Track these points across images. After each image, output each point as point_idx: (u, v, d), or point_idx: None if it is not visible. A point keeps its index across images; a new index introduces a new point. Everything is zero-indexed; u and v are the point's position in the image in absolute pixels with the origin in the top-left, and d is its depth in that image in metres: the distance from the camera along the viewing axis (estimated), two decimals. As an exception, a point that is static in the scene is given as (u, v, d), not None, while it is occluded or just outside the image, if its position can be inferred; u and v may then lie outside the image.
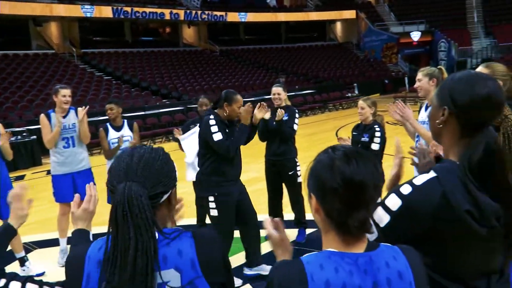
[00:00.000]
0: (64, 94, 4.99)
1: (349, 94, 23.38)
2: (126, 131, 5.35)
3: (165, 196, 1.34)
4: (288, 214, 5.55)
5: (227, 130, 4.09)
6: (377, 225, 1.41)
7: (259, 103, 4.36)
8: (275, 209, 5.42)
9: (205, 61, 27.63)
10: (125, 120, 5.46)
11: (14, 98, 17.18)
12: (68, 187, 5.04)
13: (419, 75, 3.90)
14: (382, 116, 4.82)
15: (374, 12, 35.71)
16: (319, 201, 1.22)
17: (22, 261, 4.81)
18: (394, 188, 1.44)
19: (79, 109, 5.10)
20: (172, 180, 1.37)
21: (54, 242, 5.36)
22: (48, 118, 5.00)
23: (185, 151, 5.42)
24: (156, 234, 1.26)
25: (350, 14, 34.63)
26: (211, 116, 4.11)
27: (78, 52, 24.63)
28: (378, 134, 4.55)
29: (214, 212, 4.13)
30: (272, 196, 5.44)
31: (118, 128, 5.34)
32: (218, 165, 4.10)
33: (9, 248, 4.82)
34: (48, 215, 6.54)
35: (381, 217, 1.41)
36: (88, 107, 5.26)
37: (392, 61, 31.94)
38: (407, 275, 1.19)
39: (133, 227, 1.22)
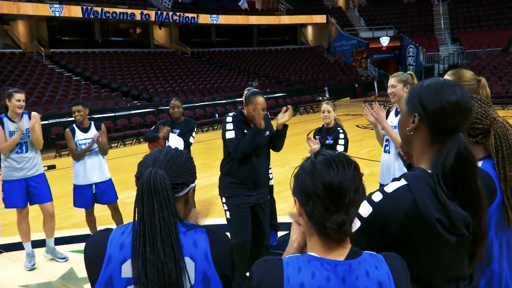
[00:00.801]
0: (19, 98, 4.79)
1: (320, 98, 23.65)
2: (93, 133, 5.21)
3: (185, 190, 1.48)
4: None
5: (245, 131, 3.95)
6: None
7: (284, 107, 4.15)
8: None
9: (176, 62, 27.47)
10: (92, 122, 5.32)
11: (-22, 98, 16.71)
12: (21, 192, 4.92)
13: (392, 81, 3.90)
14: (339, 119, 4.99)
15: (344, 17, 36.24)
16: (302, 205, 1.26)
17: None
18: (368, 195, 1.46)
19: (33, 114, 4.98)
20: (192, 176, 1.51)
21: (19, 246, 5.25)
22: (1, 123, 4.81)
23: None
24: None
25: (320, 18, 35.03)
26: (230, 114, 4.05)
27: (46, 52, 24.14)
28: (342, 136, 4.71)
29: (227, 214, 4.07)
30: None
31: (85, 130, 5.20)
32: (231, 166, 3.99)
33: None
34: (11, 218, 6.41)
35: (354, 222, 1.46)
36: (41, 115, 5.12)
37: (362, 65, 32.46)
38: (388, 285, 1.21)
39: (157, 202, 1.37)
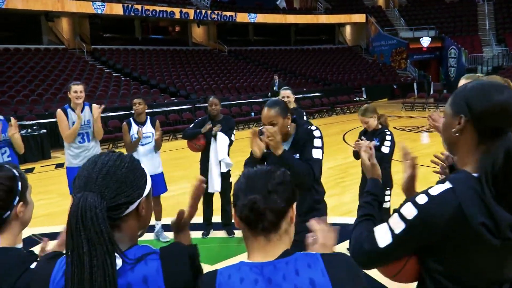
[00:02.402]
0: (76, 90, 5.14)
1: (357, 98, 23.39)
2: (148, 127, 5.48)
3: (131, 207, 1.25)
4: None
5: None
6: (392, 231, 1.46)
7: (251, 131, 3.14)
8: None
9: (214, 60, 27.70)
10: (148, 117, 5.62)
11: (25, 92, 17.32)
12: None
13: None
14: (385, 115, 4.86)
15: (384, 17, 35.68)
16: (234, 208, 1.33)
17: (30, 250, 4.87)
18: (411, 197, 1.46)
19: (94, 106, 5.24)
20: (138, 189, 1.27)
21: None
22: (65, 113, 5.14)
23: (219, 148, 5.45)
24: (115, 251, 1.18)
25: (359, 18, 34.62)
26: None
27: (88, 48, 24.78)
28: (388, 138, 4.59)
29: None
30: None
31: (141, 124, 5.47)
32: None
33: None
34: (56, 208, 6.62)
35: (396, 224, 1.45)
36: (103, 106, 5.40)
37: (401, 66, 31.89)
38: (323, 283, 1.20)
39: (86, 241, 1.14)
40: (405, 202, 1.47)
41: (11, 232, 1.51)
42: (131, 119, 5.53)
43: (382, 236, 1.48)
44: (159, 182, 5.48)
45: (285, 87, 5.57)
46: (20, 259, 1.43)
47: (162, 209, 5.64)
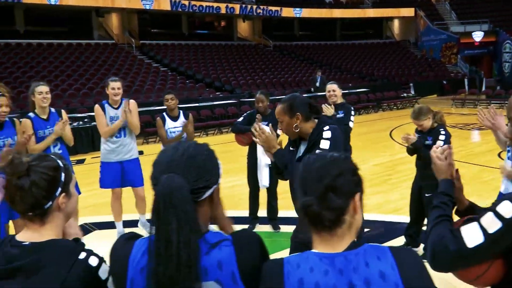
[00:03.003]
0: (113, 86, 5.14)
1: (405, 94, 22.83)
2: (182, 121, 5.48)
3: (208, 193, 1.32)
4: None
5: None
6: (484, 230, 1.42)
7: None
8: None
9: (259, 55, 27.74)
10: (181, 111, 5.59)
11: (76, 85, 17.94)
12: (116, 174, 5.26)
13: None
14: (441, 112, 4.67)
15: (434, 10, 34.60)
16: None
17: (76, 238, 5.04)
18: (508, 195, 1.44)
19: (131, 101, 5.25)
20: (215, 176, 1.34)
21: (112, 225, 5.59)
22: (103, 108, 5.17)
23: None
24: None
25: (408, 11, 33.72)
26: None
27: (136, 43, 25.36)
28: (442, 137, 4.41)
29: None
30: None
31: (174, 118, 5.47)
32: None
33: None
34: (106, 198, 6.82)
35: (491, 223, 1.42)
36: (131, 102, 5.28)
37: (451, 61, 30.87)
38: (392, 276, 1.18)
39: (175, 219, 1.20)
40: (501, 200, 1.44)
41: (54, 223, 1.49)
42: (164, 113, 5.53)
43: (472, 236, 1.44)
44: None
45: (332, 82, 5.49)
46: (69, 250, 1.43)
47: None
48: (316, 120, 2.87)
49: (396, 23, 36.16)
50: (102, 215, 6.29)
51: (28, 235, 1.46)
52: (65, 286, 1.35)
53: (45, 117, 4.70)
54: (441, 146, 1.81)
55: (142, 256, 1.28)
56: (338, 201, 1.23)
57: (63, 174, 1.48)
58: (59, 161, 1.49)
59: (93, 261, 1.42)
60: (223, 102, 17.53)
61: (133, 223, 5.66)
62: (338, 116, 5.15)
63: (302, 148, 2.89)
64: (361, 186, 1.30)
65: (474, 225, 1.45)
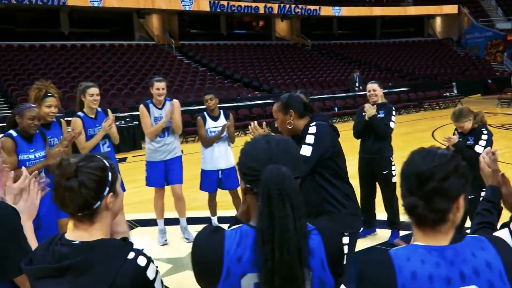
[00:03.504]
0: (158, 87, 5.16)
1: (447, 94, 22.24)
2: (222, 121, 5.48)
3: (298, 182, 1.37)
4: (381, 214, 5.44)
5: None
6: None
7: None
8: (368, 208, 5.31)
9: (297, 55, 27.65)
10: (221, 111, 5.59)
11: (118, 86, 18.38)
12: (161, 173, 5.32)
13: None
14: (481, 112, 4.54)
15: (478, 7, 33.55)
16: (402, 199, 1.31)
17: (124, 238, 5.16)
18: None
19: (175, 101, 5.30)
20: (302, 167, 1.41)
21: (153, 222, 5.69)
22: (147, 108, 5.22)
23: None
24: None
25: (451, 9, 32.81)
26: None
27: (176, 44, 25.74)
28: (485, 137, 4.29)
29: None
30: (365, 195, 5.31)
31: (215, 118, 5.46)
32: None
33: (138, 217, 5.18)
34: (147, 196, 6.96)
35: None
36: (175, 103, 5.32)
37: (497, 59, 29.86)
38: (496, 265, 1.23)
39: (289, 205, 1.25)
40: None
41: (103, 222, 1.51)
42: (205, 113, 5.53)
43: None
44: (232, 176, 5.46)
45: (373, 81, 5.40)
46: (118, 250, 1.44)
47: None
48: (309, 118, 2.96)
49: (438, 20, 35.27)
50: (143, 212, 6.42)
51: (77, 234, 1.47)
52: (114, 285, 1.36)
53: (93, 116, 4.82)
54: (486, 149, 1.80)
55: (238, 247, 1.32)
56: (443, 204, 1.25)
57: (110, 174, 1.50)
58: (105, 161, 1.51)
59: (142, 261, 1.42)
60: (261, 102, 17.56)
61: (174, 221, 5.74)
62: (379, 116, 5.06)
63: None
64: (467, 186, 1.31)
65: (505, 231, 1.46)
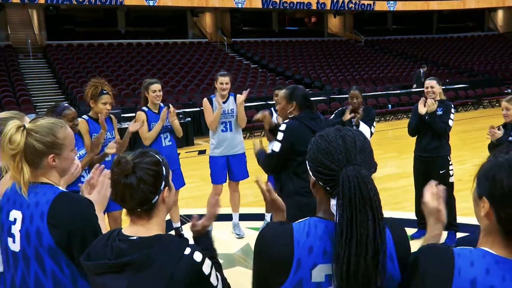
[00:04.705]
0: (222, 81, 5.27)
1: (508, 90, 21.19)
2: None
3: None
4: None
5: None
6: None
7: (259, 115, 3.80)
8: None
9: (349, 51, 27.21)
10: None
11: (172, 83, 18.77)
12: (223, 169, 5.37)
13: None
14: None
15: (544, -1, 31.77)
16: (493, 206, 1.15)
17: (178, 232, 5.29)
18: None
19: (239, 95, 5.35)
20: (375, 166, 1.40)
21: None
22: (210, 102, 5.33)
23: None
24: None
25: (515, 1, 31.26)
26: None
27: (228, 41, 25.99)
28: None
29: None
30: (420, 196, 5.15)
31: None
32: None
33: (168, 217, 5.34)
34: (199, 192, 7.08)
35: None
36: (248, 90, 5.53)
37: None
38: None
39: (370, 209, 1.25)
40: None
41: (160, 217, 1.54)
42: (272, 109, 5.58)
43: None
44: None
45: (431, 78, 5.21)
46: (176, 246, 1.46)
47: None
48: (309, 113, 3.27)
49: (500, 14, 33.67)
50: (196, 207, 6.53)
51: (135, 230, 1.51)
52: (172, 281, 1.39)
53: (156, 111, 4.98)
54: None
55: (308, 237, 1.33)
56: None
57: (163, 168, 1.53)
58: (158, 156, 1.54)
59: (198, 257, 1.44)
60: (313, 99, 17.40)
61: (224, 217, 5.80)
62: (437, 113, 4.90)
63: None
64: None
65: None
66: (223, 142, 5.32)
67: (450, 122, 4.90)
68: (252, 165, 6.11)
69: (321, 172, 1.34)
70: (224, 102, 5.32)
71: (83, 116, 4.41)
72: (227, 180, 5.48)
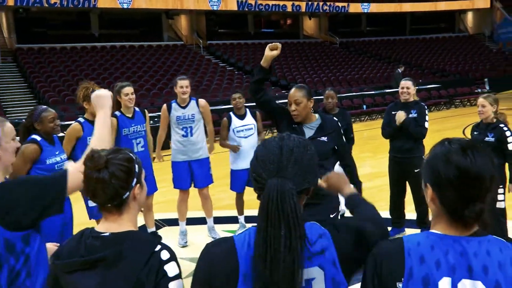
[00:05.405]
0: (182, 85, 5.08)
1: (479, 90, 21.67)
2: (249, 120, 5.46)
3: (308, 190, 1.38)
4: (410, 213, 5.35)
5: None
6: None
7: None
8: (397, 208, 5.24)
9: (325, 53, 27.44)
10: (248, 109, 5.54)
11: (147, 86, 18.61)
12: (185, 174, 5.27)
13: None
14: (504, 114, 4.45)
15: (511, 1, 32.57)
16: (435, 192, 1.28)
17: (154, 232, 5.23)
18: None
19: (201, 100, 5.27)
20: (316, 177, 1.38)
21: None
22: (169, 108, 5.19)
23: None
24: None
25: (484, 3, 32.00)
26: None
27: (204, 44, 25.91)
28: (509, 133, 4.25)
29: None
30: (395, 194, 5.25)
31: (241, 117, 5.44)
32: None
33: (142, 223, 5.29)
34: (172, 196, 7.01)
35: None
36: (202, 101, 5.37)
37: (531, 54, 28.98)
38: (510, 269, 1.21)
39: (284, 225, 1.24)
40: None
41: (131, 213, 1.57)
42: (231, 113, 5.48)
43: None
44: None
45: (407, 78, 5.27)
46: (147, 242, 1.50)
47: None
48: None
49: (469, 15, 34.44)
50: (170, 212, 6.46)
51: (107, 226, 1.53)
52: (140, 277, 1.42)
53: (130, 115, 4.90)
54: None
55: (248, 247, 1.31)
56: (490, 199, 1.27)
57: (136, 166, 1.57)
58: (131, 154, 1.58)
59: (164, 255, 1.47)
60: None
61: (199, 221, 5.76)
62: (411, 115, 4.96)
63: (307, 131, 3.26)
64: None
65: None
66: (184, 147, 5.21)
67: (426, 124, 4.98)
68: (218, 170, 6.11)
69: (255, 178, 1.35)
70: (184, 107, 5.19)
71: (78, 119, 4.40)
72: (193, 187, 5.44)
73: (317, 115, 3.34)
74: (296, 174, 1.31)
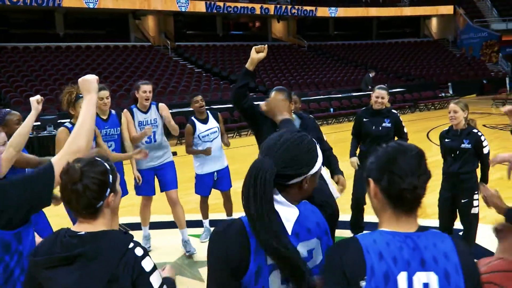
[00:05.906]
0: (145, 90, 4.91)
1: (443, 94, 22.26)
2: (212, 123, 5.38)
3: (296, 180, 1.46)
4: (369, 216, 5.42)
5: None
6: None
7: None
8: (356, 212, 5.47)
9: (293, 56, 27.61)
10: (208, 112, 5.42)
11: (113, 87, 18.25)
12: (150, 181, 5.12)
13: None
14: (475, 120, 4.53)
15: (474, 8, 33.59)
16: (376, 183, 1.39)
17: (125, 230, 5.11)
18: None
19: (161, 105, 5.11)
20: (306, 167, 1.46)
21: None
22: (131, 113, 4.99)
23: None
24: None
25: (447, 9, 32.86)
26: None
27: (172, 45, 25.67)
28: (483, 138, 4.32)
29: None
30: (357, 206, 5.50)
31: (204, 121, 5.32)
32: None
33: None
34: (137, 200, 6.90)
35: None
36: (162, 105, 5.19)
37: (492, 60, 29.92)
38: (453, 257, 1.34)
39: (253, 192, 1.39)
40: None
41: (105, 217, 1.66)
42: (193, 118, 5.32)
43: None
44: (225, 176, 5.44)
45: (381, 86, 5.28)
46: (121, 240, 1.61)
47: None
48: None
49: (434, 21, 35.33)
50: (135, 215, 6.35)
51: (82, 227, 1.64)
52: (116, 272, 1.53)
53: (104, 117, 4.75)
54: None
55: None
56: (425, 184, 1.40)
57: (110, 176, 1.66)
58: (106, 164, 1.66)
59: (139, 252, 1.59)
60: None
61: (162, 225, 5.68)
62: (384, 125, 5.01)
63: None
64: None
65: None
66: (149, 153, 4.89)
67: (405, 130, 5.18)
68: (181, 174, 6.06)
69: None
70: (145, 112, 5.02)
71: (65, 124, 4.20)
72: (159, 192, 5.31)
73: (294, 116, 3.40)
74: (281, 159, 1.43)
